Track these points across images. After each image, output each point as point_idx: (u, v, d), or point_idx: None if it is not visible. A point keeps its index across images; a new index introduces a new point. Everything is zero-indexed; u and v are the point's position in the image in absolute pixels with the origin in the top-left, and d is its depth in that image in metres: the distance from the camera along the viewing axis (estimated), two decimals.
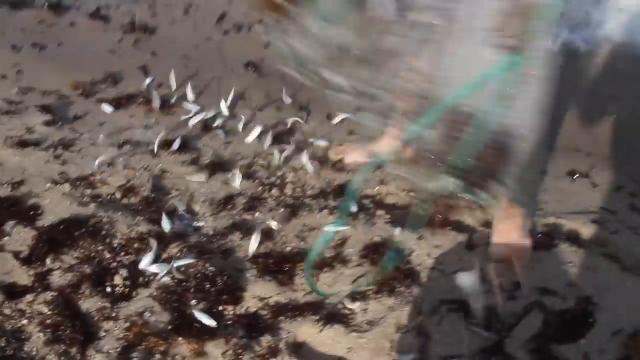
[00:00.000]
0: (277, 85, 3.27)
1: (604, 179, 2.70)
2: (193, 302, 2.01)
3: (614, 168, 2.71)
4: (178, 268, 2.05)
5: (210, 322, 1.92)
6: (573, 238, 2.31)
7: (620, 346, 1.87)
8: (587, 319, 1.96)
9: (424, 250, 2.22)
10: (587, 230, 2.34)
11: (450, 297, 2.03)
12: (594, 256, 2.19)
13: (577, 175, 2.69)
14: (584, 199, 2.57)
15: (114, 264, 2.12)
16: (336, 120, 2.99)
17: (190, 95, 3.16)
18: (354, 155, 2.76)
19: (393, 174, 2.63)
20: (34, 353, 1.86)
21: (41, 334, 1.90)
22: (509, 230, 2.24)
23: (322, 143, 2.78)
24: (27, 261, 2.14)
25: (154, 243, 2.14)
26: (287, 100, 3.13)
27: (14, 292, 2.05)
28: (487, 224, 2.33)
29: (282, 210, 2.41)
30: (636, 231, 2.36)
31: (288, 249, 2.23)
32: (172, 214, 2.37)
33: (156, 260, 2.11)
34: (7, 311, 1.97)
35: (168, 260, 2.12)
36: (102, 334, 1.93)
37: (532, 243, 2.23)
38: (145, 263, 2.08)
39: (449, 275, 2.13)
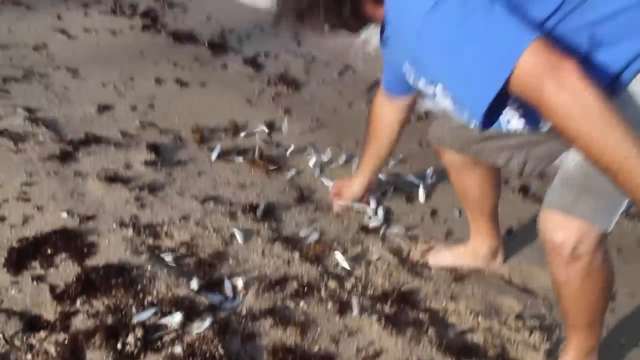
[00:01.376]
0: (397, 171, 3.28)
1: None
2: None
3: None
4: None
5: None
6: None
7: None
8: None
9: None
10: None
11: None
12: None
13: None
14: None
15: (135, 321, 2.18)
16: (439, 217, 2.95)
17: (308, 159, 3.26)
18: (441, 259, 2.69)
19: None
20: None
21: None
22: None
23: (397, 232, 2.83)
24: (59, 297, 2.26)
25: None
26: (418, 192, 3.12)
27: (34, 324, 2.16)
28: None
29: (330, 305, 2.37)
30: None
31: (315, 349, 2.19)
32: (217, 283, 2.41)
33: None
34: (17, 342, 2.08)
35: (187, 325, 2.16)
36: None
37: None
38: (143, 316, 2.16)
39: None
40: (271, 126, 3.61)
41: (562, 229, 1.77)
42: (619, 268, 2.08)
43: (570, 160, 1.82)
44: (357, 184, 2.82)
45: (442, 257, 2.70)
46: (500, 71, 1.39)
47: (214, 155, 3.24)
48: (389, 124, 2.55)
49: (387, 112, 2.53)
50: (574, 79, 1.32)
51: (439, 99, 1.69)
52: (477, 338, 2.34)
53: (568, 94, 1.32)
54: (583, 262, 1.79)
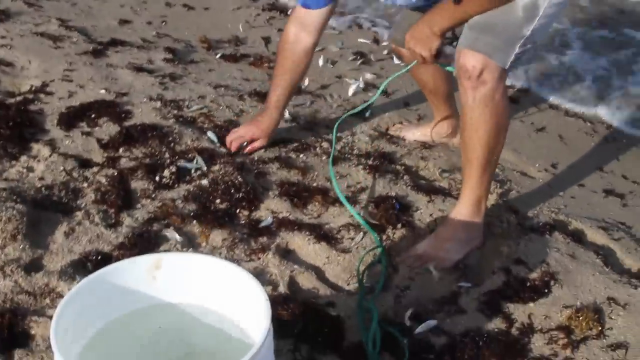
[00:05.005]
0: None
1: (637, 202, 2.83)
2: (217, 200, 2.38)
3: None
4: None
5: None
6: (573, 234, 2.47)
7: (564, 317, 2.03)
8: (544, 289, 2.15)
9: (428, 211, 2.48)
10: (590, 232, 2.49)
11: None
12: (582, 250, 2.35)
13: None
14: (606, 211, 2.71)
15: (169, 162, 2.53)
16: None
17: None
18: (412, 134, 3.04)
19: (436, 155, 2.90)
20: (82, 205, 2.30)
21: (92, 195, 2.35)
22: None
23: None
24: (105, 146, 2.60)
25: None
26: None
27: (86, 164, 2.50)
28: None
29: (324, 157, 2.73)
30: None
31: (314, 184, 2.55)
32: None
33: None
34: (75, 175, 2.43)
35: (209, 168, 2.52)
36: (138, 206, 2.34)
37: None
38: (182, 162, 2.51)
39: None
40: (267, 40, 3.94)
41: (471, 57, 2.06)
42: None
43: None
44: (269, 119, 2.68)
45: (413, 133, 3.06)
46: None
47: (218, 55, 3.59)
48: (307, 49, 2.55)
49: (306, 36, 2.52)
50: None
51: None
52: (443, 184, 2.71)
53: None
54: (487, 87, 2.07)
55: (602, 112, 3.63)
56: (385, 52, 3.89)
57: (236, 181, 2.44)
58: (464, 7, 2.06)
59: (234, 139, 2.67)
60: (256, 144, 2.68)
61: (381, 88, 2.67)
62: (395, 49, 2.76)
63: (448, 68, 2.44)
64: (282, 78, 2.62)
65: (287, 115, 2.93)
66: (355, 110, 3.02)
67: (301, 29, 2.52)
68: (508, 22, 2.08)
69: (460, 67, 2.11)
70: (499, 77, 2.09)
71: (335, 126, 2.79)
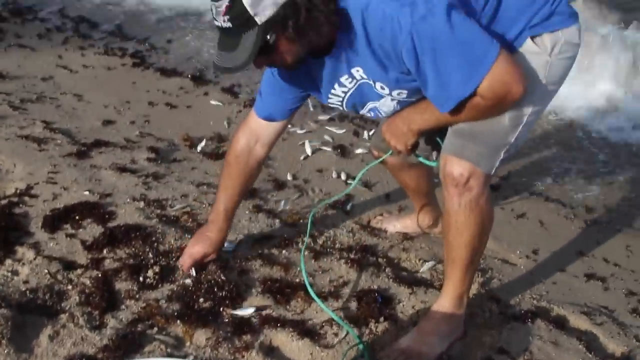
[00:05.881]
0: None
1: (619, 285, 2.91)
2: (201, 300, 2.44)
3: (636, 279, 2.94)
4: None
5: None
6: (555, 321, 2.53)
7: None
8: None
9: (411, 303, 2.54)
10: (573, 318, 2.56)
11: None
12: (565, 337, 2.41)
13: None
14: (588, 296, 2.78)
15: (152, 262, 2.60)
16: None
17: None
18: (394, 226, 3.13)
19: (417, 247, 2.98)
20: (66, 308, 2.34)
21: (77, 297, 2.39)
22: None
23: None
24: (89, 248, 2.66)
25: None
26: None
27: (70, 266, 2.55)
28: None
29: (307, 253, 2.81)
30: (623, 329, 2.54)
31: (297, 280, 2.61)
32: None
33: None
34: (59, 277, 2.48)
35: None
36: (122, 307, 2.38)
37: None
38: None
39: None
40: None
41: (457, 165, 2.10)
42: None
43: None
44: (218, 233, 2.58)
45: (394, 225, 3.14)
46: (476, 77, 1.91)
47: (199, 148, 3.76)
48: (260, 161, 2.52)
49: (260, 148, 2.48)
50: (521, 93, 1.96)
51: (384, 104, 2.20)
52: (425, 275, 2.78)
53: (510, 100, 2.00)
54: (473, 193, 2.11)
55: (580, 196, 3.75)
56: (367, 145, 4.01)
57: (219, 279, 2.50)
58: (452, 115, 2.04)
59: (186, 262, 2.56)
60: (208, 260, 2.60)
61: (357, 178, 2.71)
62: (378, 157, 2.72)
63: (429, 163, 2.49)
64: (231, 189, 2.54)
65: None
66: (331, 200, 3.16)
67: (255, 141, 2.46)
68: (494, 130, 2.11)
69: (447, 175, 2.14)
70: (484, 183, 2.15)
71: (310, 217, 2.79)
